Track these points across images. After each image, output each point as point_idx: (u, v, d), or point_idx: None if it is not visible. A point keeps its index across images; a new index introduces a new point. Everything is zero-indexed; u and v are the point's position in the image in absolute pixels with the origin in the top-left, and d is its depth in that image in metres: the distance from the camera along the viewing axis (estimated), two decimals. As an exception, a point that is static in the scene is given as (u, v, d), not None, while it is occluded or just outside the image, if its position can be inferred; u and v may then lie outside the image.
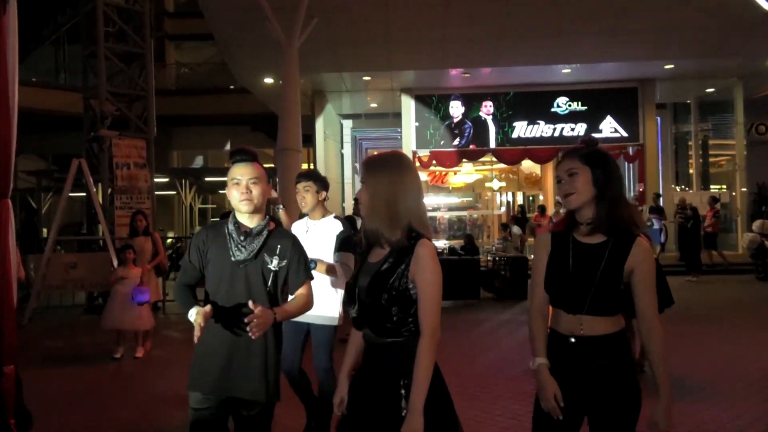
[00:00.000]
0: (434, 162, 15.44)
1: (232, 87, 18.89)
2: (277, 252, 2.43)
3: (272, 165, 13.10)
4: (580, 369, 2.07)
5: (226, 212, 3.38)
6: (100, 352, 6.53)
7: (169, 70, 21.74)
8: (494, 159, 16.26)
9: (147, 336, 6.56)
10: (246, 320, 2.21)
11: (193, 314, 2.35)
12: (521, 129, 15.19)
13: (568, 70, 14.15)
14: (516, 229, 12.58)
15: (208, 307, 2.31)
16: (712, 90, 16.02)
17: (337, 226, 3.62)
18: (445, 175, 18.59)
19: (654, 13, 11.66)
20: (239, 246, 2.38)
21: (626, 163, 15.67)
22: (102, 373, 5.87)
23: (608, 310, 2.05)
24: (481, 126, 15.27)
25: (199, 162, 24.05)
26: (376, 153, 2.18)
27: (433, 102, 15.33)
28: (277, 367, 2.45)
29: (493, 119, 15.24)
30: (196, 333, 2.29)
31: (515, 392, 4.67)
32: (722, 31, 12.19)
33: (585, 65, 13.78)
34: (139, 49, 11.01)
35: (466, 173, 19.21)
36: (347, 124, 18.27)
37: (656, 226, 13.34)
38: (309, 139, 14.87)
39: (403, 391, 1.88)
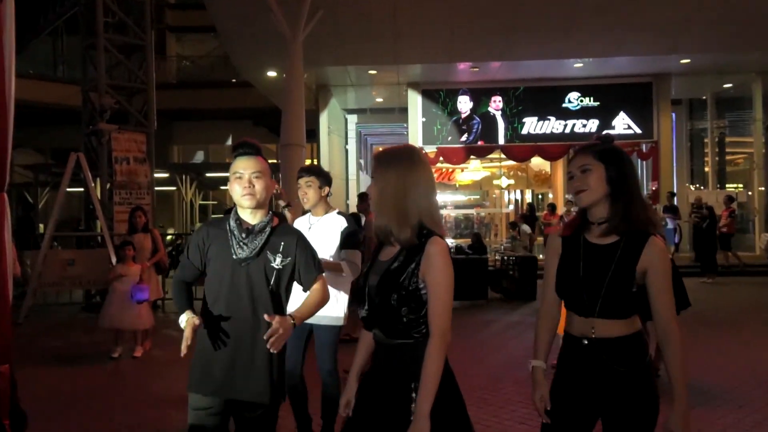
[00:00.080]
0: (441, 158, 15.42)
1: (234, 80, 18.93)
2: (281, 250, 2.40)
3: (275, 161, 13.10)
4: (593, 372, 2.06)
5: (228, 209, 3.36)
6: (97, 351, 6.53)
7: (170, 62, 21.78)
8: (503, 156, 16.21)
9: (146, 335, 6.56)
10: (265, 337, 2.22)
11: (183, 322, 2.35)
12: (531, 125, 15.14)
13: (581, 65, 14.09)
14: (525, 228, 12.54)
15: (197, 319, 2.32)
16: (729, 85, 15.92)
17: (341, 223, 3.59)
18: (452, 172, 18.57)
19: (670, 5, 11.60)
20: (241, 243, 2.36)
21: (640, 161, 15.60)
22: (99, 373, 5.87)
23: (620, 312, 2.03)
24: (489, 122, 15.23)
25: (200, 157, 24.10)
26: (386, 147, 2.15)
27: (440, 97, 15.30)
28: (281, 367, 2.44)
29: (502, 115, 15.19)
30: (183, 346, 2.29)
31: (525, 396, 4.64)
32: (741, 24, 12.09)
33: (598, 59, 13.71)
34: (139, 41, 11.01)
35: (473, 170, 19.18)
36: (352, 119, 18.27)
37: (670, 225, 13.28)
38: (313, 135, 14.86)
39: (413, 395, 1.86)
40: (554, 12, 11.90)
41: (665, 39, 12.64)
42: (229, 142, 21.39)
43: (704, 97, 16.91)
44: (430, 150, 15.18)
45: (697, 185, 17.64)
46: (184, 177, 20.06)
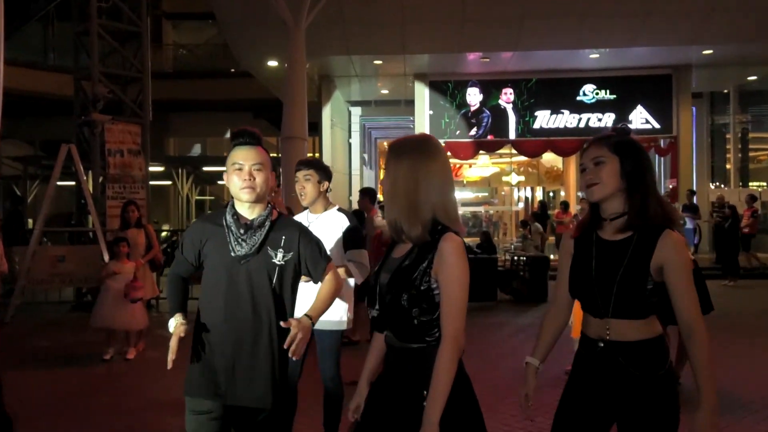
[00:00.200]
0: (449, 154, 15.36)
1: (233, 70, 18.91)
2: (282, 244, 2.37)
3: (275, 154, 13.08)
4: (609, 376, 2.04)
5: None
6: (88, 352, 6.50)
7: (167, 51, 21.77)
8: (513, 151, 16.18)
9: (140, 336, 6.53)
10: (285, 345, 2.21)
11: (171, 327, 2.34)
12: (544, 119, 15.08)
13: (596, 55, 14.03)
14: (537, 227, 12.50)
15: (185, 327, 2.31)
16: (753, 78, 15.85)
17: (342, 220, 3.53)
18: (460, 168, 18.53)
19: (691, -7, 11.55)
20: (239, 240, 2.32)
21: (658, 157, 15.53)
22: (91, 375, 5.84)
23: (635, 312, 2.00)
24: (500, 115, 15.19)
25: (197, 150, 24.13)
26: (401, 137, 2.11)
27: (448, 89, 15.25)
28: (285, 369, 2.40)
29: (513, 108, 15.14)
30: (169, 359, 2.27)
31: (538, 403, 4.58)
32: (766, 13, 11.99)
33: (614, 50, 13.65)
34: (134, 28, 10.98)
35: (482, 166, 19.16)
36: (356, 111, 18.25)
37: (689, 225, 13.23)
38: (315, 127, 14.84)
39: (425, 403, 1.82)
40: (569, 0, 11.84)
41: (686, 28, 12.56)
42: (228, 135, 21.40)
43: (727, 91, 16.84)
44: (438, 144, 15.13)
45: (718, 183, 17.56)
46: (180, 171, 20.10)
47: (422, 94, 15.28)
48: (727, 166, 17.72)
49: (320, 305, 2.44)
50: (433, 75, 15.17)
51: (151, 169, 11.74)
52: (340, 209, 3.63)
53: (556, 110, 15.06)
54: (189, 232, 2.51)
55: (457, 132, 15.23)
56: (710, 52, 13.66)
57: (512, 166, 18.68)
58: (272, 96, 15.86)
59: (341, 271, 3.37)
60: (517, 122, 15.15)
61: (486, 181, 20.08)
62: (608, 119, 14.89)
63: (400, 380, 1.92)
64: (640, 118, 14.89)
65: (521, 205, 21.19)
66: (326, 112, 16.06)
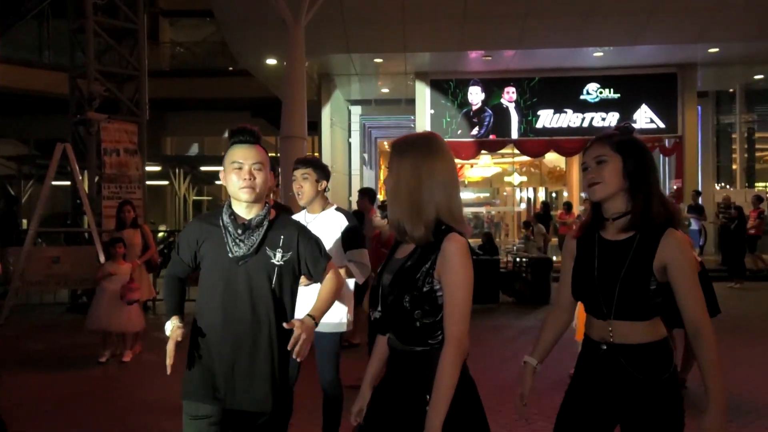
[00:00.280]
0: (450, 153, 15.35)
1: (231, 69, 18.93)
2: (281, 244, 2.36)
3: (274, 154, 13.08)
4: (612, 378, 2.03)
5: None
6: (84, 355, 6.50)
7: (164, 49, 21.77)
8: (516, 151, 16.17)
9: (136, 338, 6.53)
10: (289, 347, 2.21)
11: (168, 330, 2.33)
12: (547, 118, 15.08)
13: (600, 54, 14.01)
14: (540, 228, 12.50)
15: (181, 331, 2.30)
16: (760, 77, 15.83)
17: (341, 220, 3.52)
18: (461, 168, 18.52)
19: (697, -10, 11.54)
20: (237, 240, 2.31)
21: (662, 157, 15.52)
22: (86, 378, 5.83)
23: (638, 313, 1.99)
24: (502, 114, 15.18)
25: (194, 150, 24.12)
26: (405, 135, 2.11)
27: (450, 87, 15.25)
28: (285, 372, 2.39)
29: (515, 107, 15.13)
30: (168, 362, 2.26)
31: (542, 407, 4.59)
32: (773, 11, 12.00)
33: (618, 48, 13.63)
34: (131, 25, 10.98)
35: (483, 166, 19.16)
36: (356, 110, 18.24)
37: (695, 226, 13.22)
38: (314, 127, 14.83)
39: (427, 408, 1.81)
40: (573, -3, 11.85)
41: (691, 26, 12.55)
42: (226, 134, 21.38)
43: (733, 90, 16.82)
44: (439, 144, 15.12)
45: (724, 184, 17.55)
46: (177, 170, 20.07)
47: (423, 92, 15.28)
48: (733, 167, 17.71)
49: (322, 305, 2.43)
50: (435, 73, 15.16)
51: (148, 168, 11.73)
52: (338, 208, 3.61)
53: (559, 109, 15.04)
54: (185, 232, 2.50)
55: (459, 131, 15.22)
56: (716, 50, 13.64)
57: (514, 167, 18.68)
58: (271, 95, 15.86)
59: (342, 272, 3.36)
60: (520, 122, 15.14)
61: (488, 181, 20.08)
62: (612, 119, 14.87)
63: (403, 384, 1.90)
64: (644, 117, 14.88)
65: (523, 205, 21.20)
66: (326, 111, 16.06)
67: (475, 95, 15.22)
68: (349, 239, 3.47)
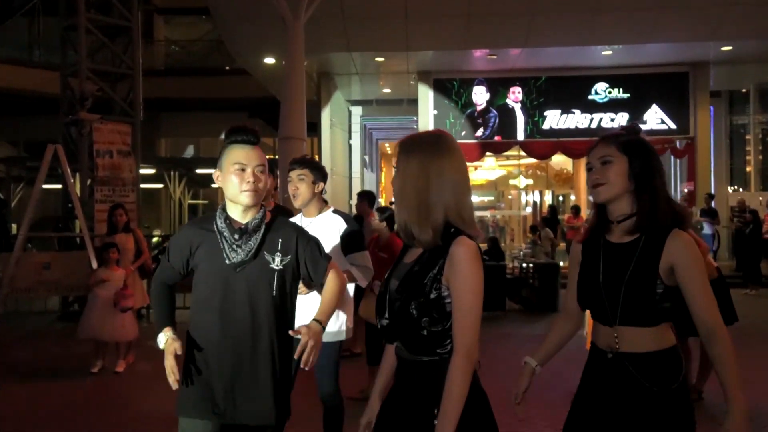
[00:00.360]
0: (455, 154, 15.34)
1: (228, 68, 18.94)
2: (279, 247, 2.33)
3: (271, 155, 13.06)
4: (619, 387, 2.02)
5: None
6: (75, 365, 6.47)
7: (158, 47, 21.79)
8: (522, 153, 16.15)
9: (129, 348, 6.50)
10: (296, 355, 2.18)
11: (162, 343, 2.29)
12: (554, 119, 15.06)
13: (609, 52, 14.00)
14: (548, 232, 12.46)
15: (178, 345, 2.24)
16: (774, 76, 15.80)
17: (339, 223, 3.48)
18: (466, 170, 18.51)
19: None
20: (234, 246, 2.28)
21: (674, 159, 15.49)
22: (78, 389, 5.80)
23: (644, 318, 1.97)
24: (507, 115, 15.17)
25: (189, 151, 24.13)
26: (413, 133, 2.08)
27: (453, 87, 15.24)
28: (287, 381, 2.36)
29: (521, 107, 15.13)
30: (172, 380, 2.22)
31: (552, 420, 4.56)
32: (788, 8, 11.99)
33: (628, 46, 13.62)
34: (124, 22, 10.98)
35: (488, 168, 19.14)
36: (356, 111, 18.26)
37: (708, 230, 13.15)
38: (314, 128, 14.81)
39: (436, 422, 1.77)
40: (581, -7, 11.86)
41: (704, 23, 12.53)
42: (222, 136, 21.41)
43: (746, 89, 16.81)
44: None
45: (737, 186, 17.52)
46: (172, 173, 20.06)
47: (426, 92, 15.27)
48: (747, 169, 17.68)
49: (327, 307, 2.39)
50: (438, 73, 15.15)
51: (142, 171, 11.73)
52: (335, 211, 3.58)
53: (566, 110, 15.02)
54: (177, 237, 2.46)
55: (463, 133, 15.20)
56: (729, 48, 13.62)
57: (520, 169, 18.65)
58: (269, 94, 15.86)
59: (352, 270, 3.34)
60: (526, 122, 15.13)
61: (492, 184, 20.03)
62: (621, 119, 14.86)
63: (411, 396, 1.87)
64: (655, 118, 14.86)
65: (529, 209, 21.18)
66: (326, 112, 16.04)
67: (480, 95, 15.21)
68: (350, 242, 3.44)
